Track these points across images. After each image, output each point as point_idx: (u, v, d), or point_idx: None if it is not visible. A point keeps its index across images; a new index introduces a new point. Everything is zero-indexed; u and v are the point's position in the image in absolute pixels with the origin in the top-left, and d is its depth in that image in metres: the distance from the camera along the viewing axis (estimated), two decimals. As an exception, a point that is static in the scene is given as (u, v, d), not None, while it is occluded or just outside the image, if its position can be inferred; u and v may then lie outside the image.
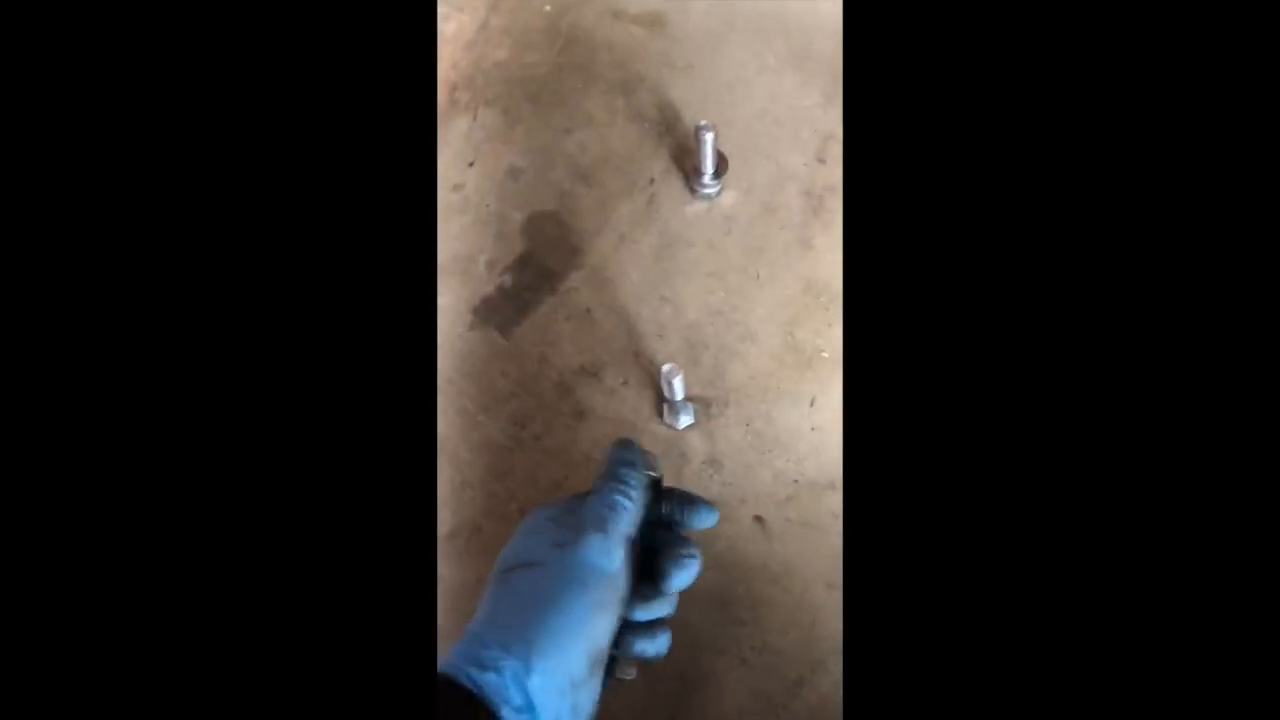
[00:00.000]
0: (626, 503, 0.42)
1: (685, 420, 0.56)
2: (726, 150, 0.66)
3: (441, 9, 0.74)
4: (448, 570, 0.55)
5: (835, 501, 0.54)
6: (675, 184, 0.65)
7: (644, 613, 0.42)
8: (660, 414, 0.57)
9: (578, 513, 0.42)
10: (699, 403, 0.58)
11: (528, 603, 0.38)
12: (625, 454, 0.44)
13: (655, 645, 0.43)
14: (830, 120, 0.67)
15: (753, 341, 0.59)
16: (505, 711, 0.35)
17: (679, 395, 0.51)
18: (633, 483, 0.43)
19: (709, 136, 0.58)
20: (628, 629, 0.42)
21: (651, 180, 0.66)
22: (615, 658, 0.42)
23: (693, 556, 0.43)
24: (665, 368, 0.48)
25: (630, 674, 0.44)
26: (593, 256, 0.63)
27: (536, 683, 0.36)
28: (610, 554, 0.40)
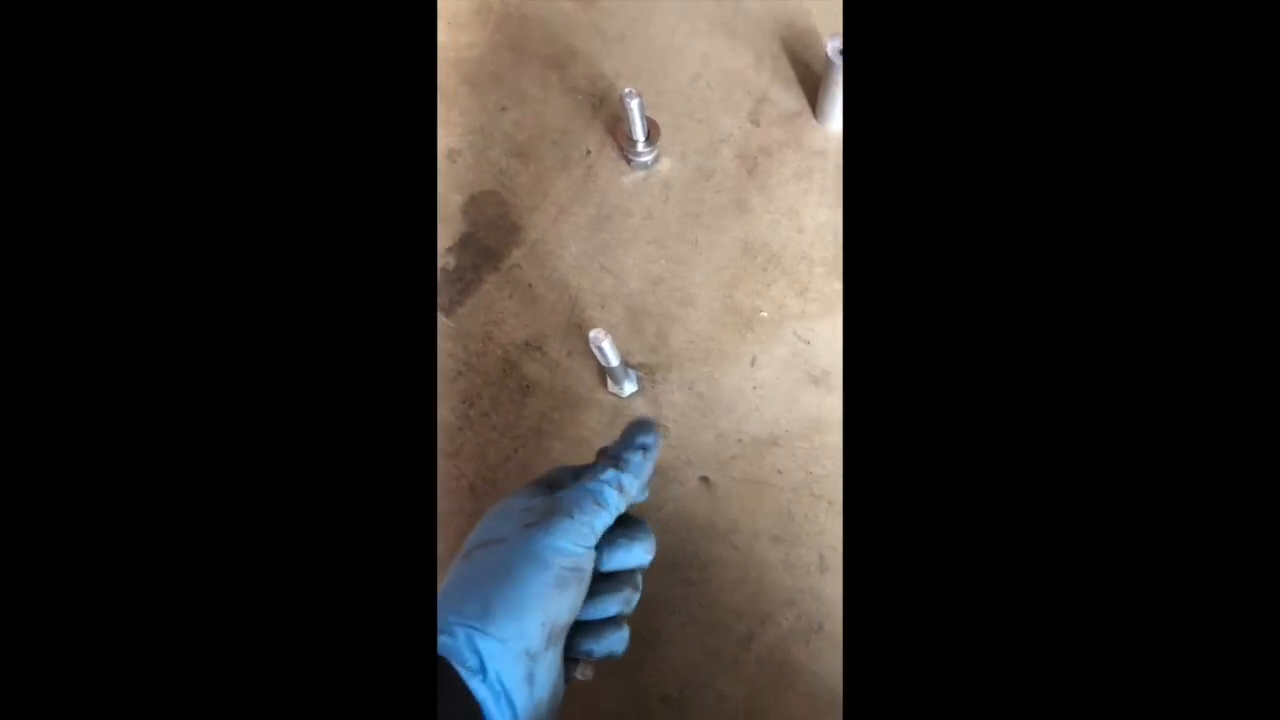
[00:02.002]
0: (612, 496, 0.41)
1: (630, 388, 0.57)
2: (662, 117, 0.66)
3: None
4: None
5: (776, 457, 0.55)
6: (611, 155, 0.65)
7: (595, 610, 0.42)
8: (605, 384, 0.58)
9: (556, 496, 0.41)
10: (643, 369, 0.58)
11: (486, 574, 0.39)
12: (642, 437, 0.44)
13: (604, 644, 0.42)
14: (762, 81, 0.67)
15: (693, 306, 0.60)
16: (462, 672, 0.36)
17: (613, 361, 0.51)
18: (631, 473, 0.42)
19: (635, 103, 0.59)
20: (577, 629, 0.42)
21: (588, 152, 0.66)
22: (571, 659, 0.42)
23: (637, 540, 0.43)
24: (592, 334, 0.48)
25: (587, 675, 0.42)
26: (533, 232, 0.63)
27: (490, 647, 0.36)
28: (576, 538, 0.40)
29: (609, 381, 0.57)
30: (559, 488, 0.43)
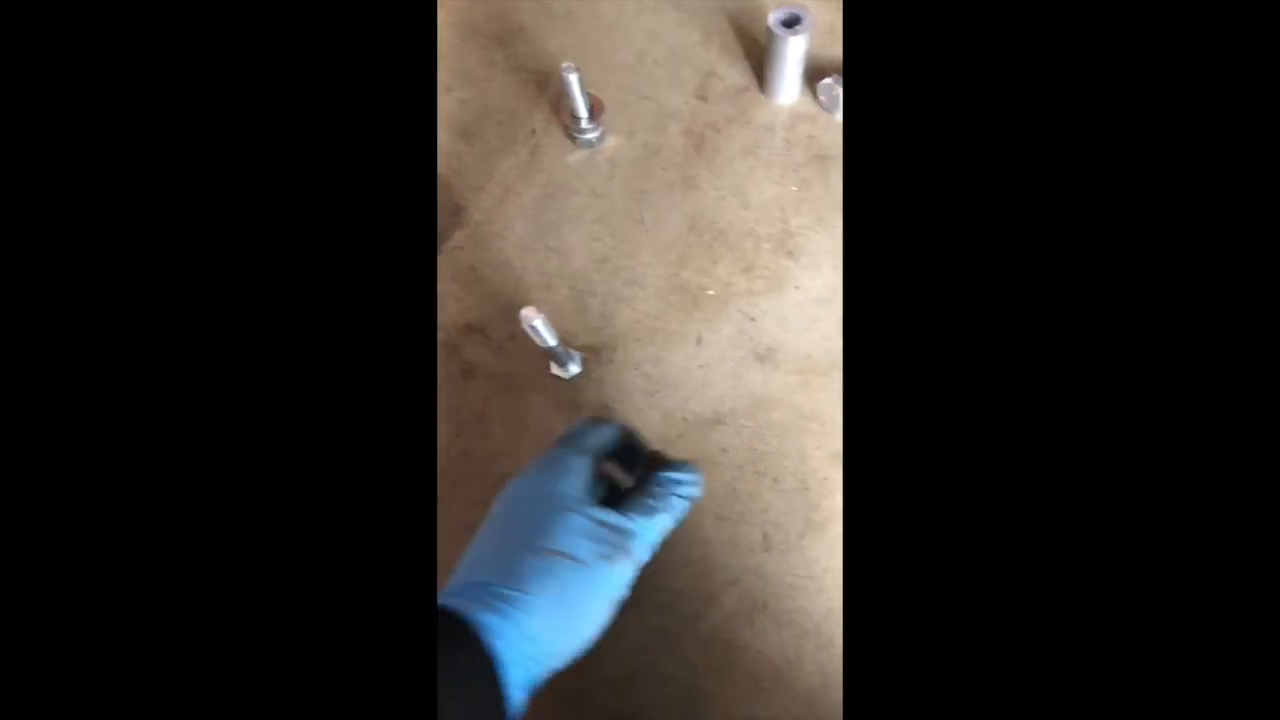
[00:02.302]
0: (661, 535, 0.43)
1: (574, 369, 0.56)
2: (609, 94, 0.65)
3: None
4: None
5: (721, 435, 0.54)
6: (557, 133, 0.64)
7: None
8: (549, 366, 0.57)
9: (624, 529, 0.41)
10: (588, 350, 0.57)
11: (568, 604, 0.38)
12: (682, 478, 0.45)
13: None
14: (709, 57, 0.66)
15: (639, 285, 0.59)
16: (499, 647, 0.36)
17: (550, 341, 0.50)
18: (672, 513, 0.43)
19: (574, 78, 0.57)
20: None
21: (533, 131, 0.65)
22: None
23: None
24: (523, 313, 0.47)
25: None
26: (476, 213, 0.62)
27: (530, 673, 0.37)
28: (638, 569, 0.41)
29: (552, 364, 0.56)
30: (605, 469, 0.45)
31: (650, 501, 0.43)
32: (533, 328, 0.48)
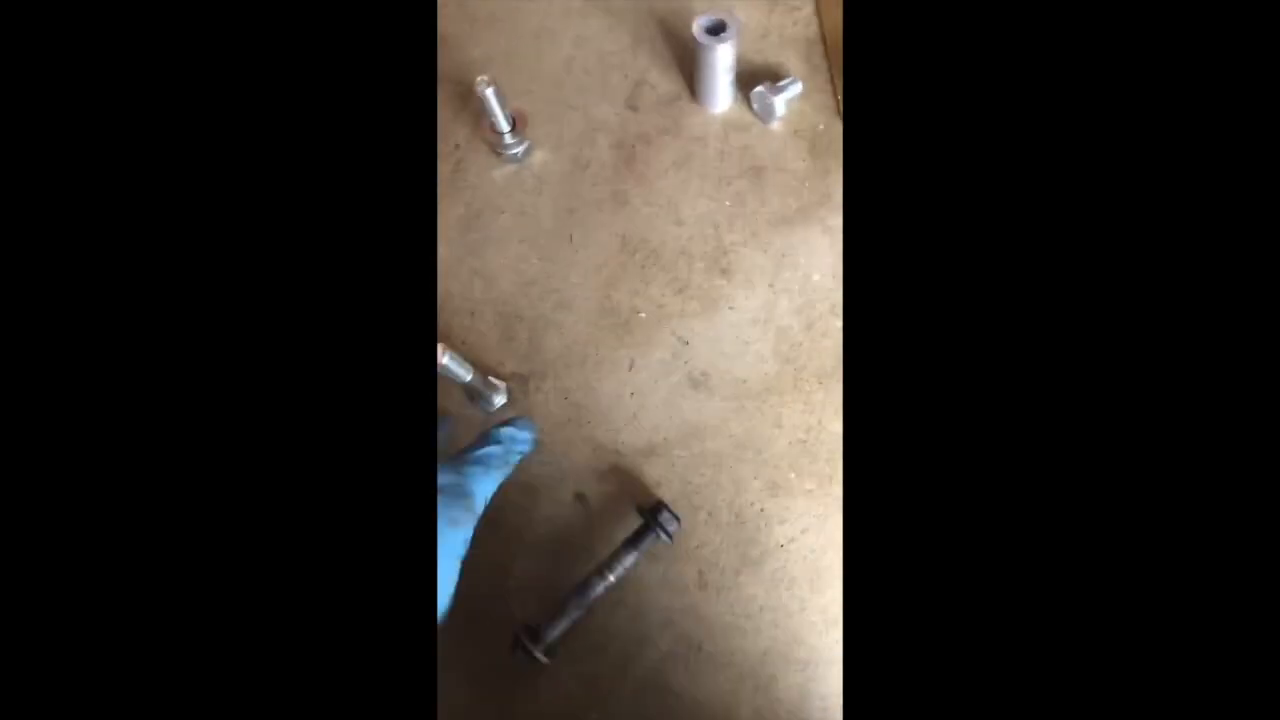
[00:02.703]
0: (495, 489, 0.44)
1: (498, 400, 0.53)
2: (535, 105, 0.62)
3: None
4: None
5: (655, 468, 0.52)
6: (481, 148, 0.61)
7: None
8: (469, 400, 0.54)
9: (466, 490, 0.42)
10: (515, 379, 0.55)
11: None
12: (517, 435, 0.47)
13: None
14: (640, 64, 0.63)
15: (568, 309, 0.56)
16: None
17: (465, 377, 0.48)
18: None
19: (490, 92, 0.54)
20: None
21: (456, 146, 0.61)
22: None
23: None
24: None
25: None
26: (397, 236, 0.59)
27: None
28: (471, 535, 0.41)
29: (468, 399, 0.53)
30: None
31: (491, 456, 0.44)
32: (443, 366, 0.45)
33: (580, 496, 0.52)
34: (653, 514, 0.48)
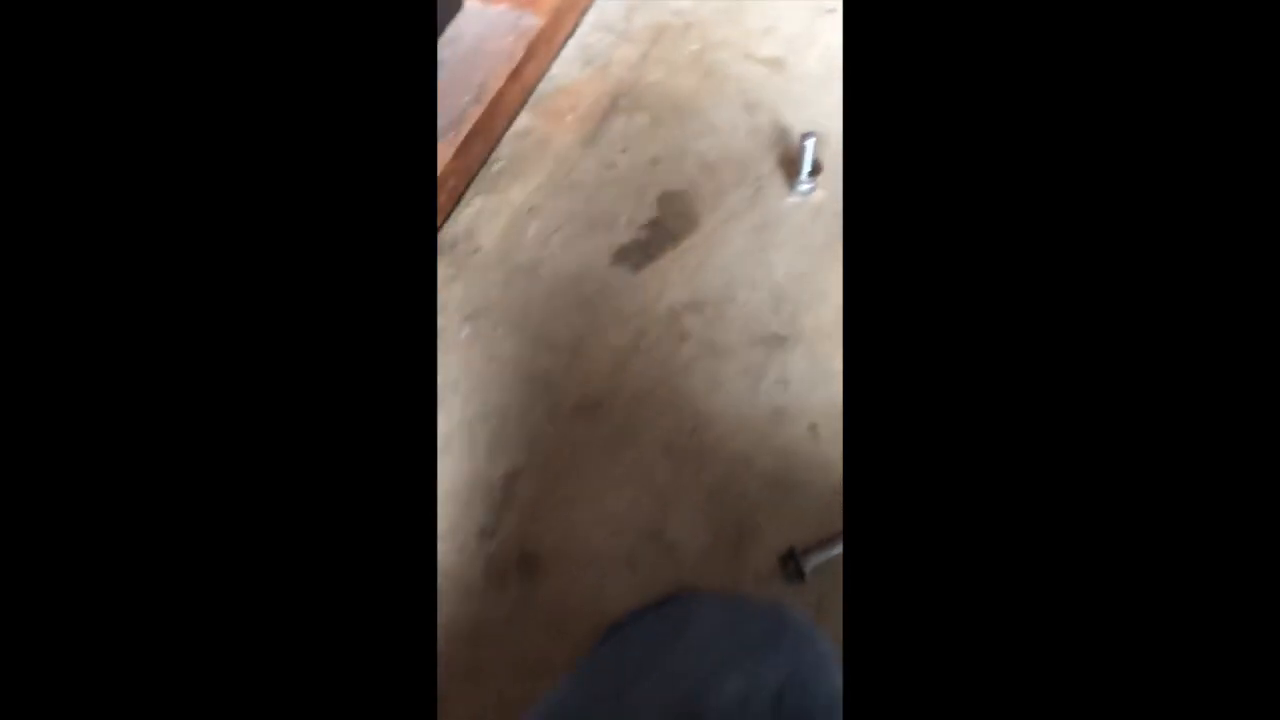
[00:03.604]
0: None
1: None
2: (826, 162, 0.84)
3: (611, 39, 0.96)
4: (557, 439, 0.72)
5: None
6: (778, 182, 0.84)
7: None
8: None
9: None
10: (774, 341, 0.75)
11: None
12: None
13: None
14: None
15: (824, 300, 0.76)
16: None
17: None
18: None
19: (810, 143, 0.77)
20: None
21: (759, 177, 0.84)
22: None
23: None
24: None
25: None
26: (706, 227, 0.82)
27: None
28: None
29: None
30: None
31: None
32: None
33: (813, 427, 0.70)
34: None
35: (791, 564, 0.63)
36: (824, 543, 0.63)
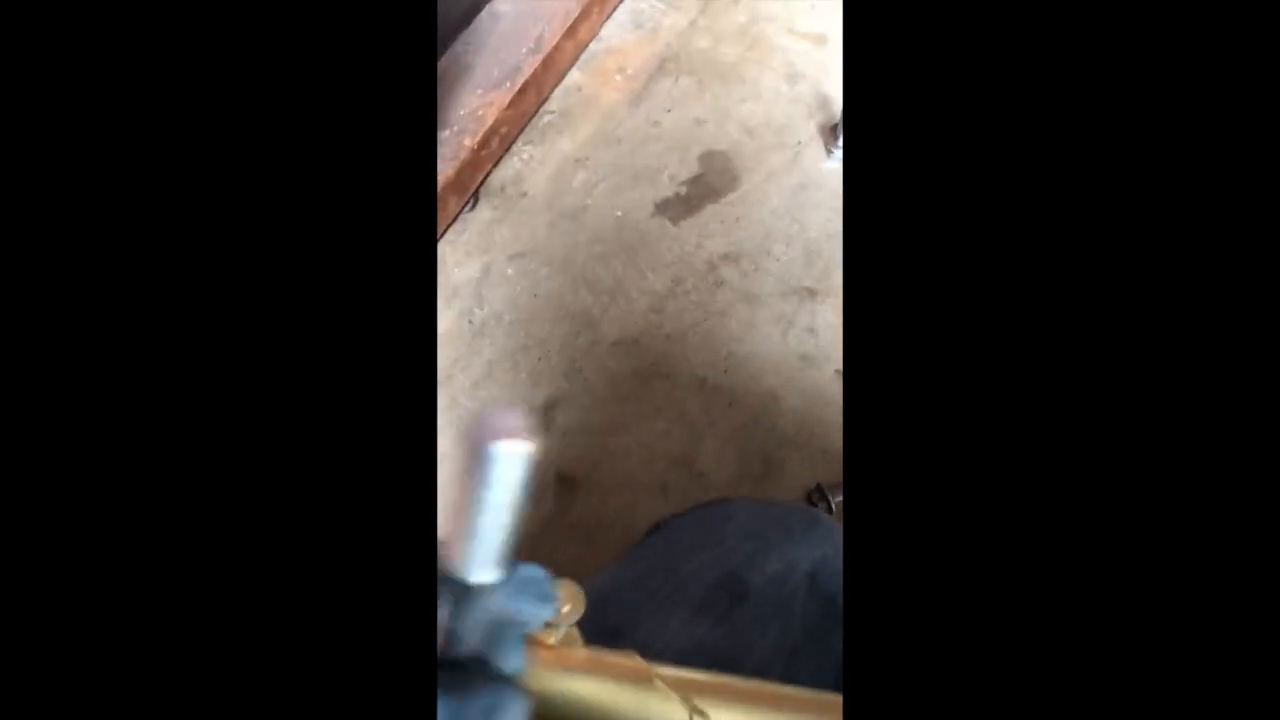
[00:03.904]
0: None
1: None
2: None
3: (661, 6, 1.00)
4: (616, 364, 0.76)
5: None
6: (816, 148, 0.87)
7: None
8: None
9: None
10: (805, 294, 0.78)
11: None
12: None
13: None
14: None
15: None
16: None
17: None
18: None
19: (851, 108, 0.81)
20: None
21: (799, 142, 0.88)
22: None
23: None
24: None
25: None
26: (746, 184, 0.85)
27: None
28: None
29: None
30: None
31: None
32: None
33: (839, 372, 0.74)
34: None
35: (819, 498, 0.67)
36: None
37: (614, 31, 0.98)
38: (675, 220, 0.84)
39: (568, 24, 0.91)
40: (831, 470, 0.69)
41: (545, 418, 0.73)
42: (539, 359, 0.77)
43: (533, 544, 0.67)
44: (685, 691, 0.32)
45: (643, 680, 0.32)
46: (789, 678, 0.35)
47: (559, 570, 0.65)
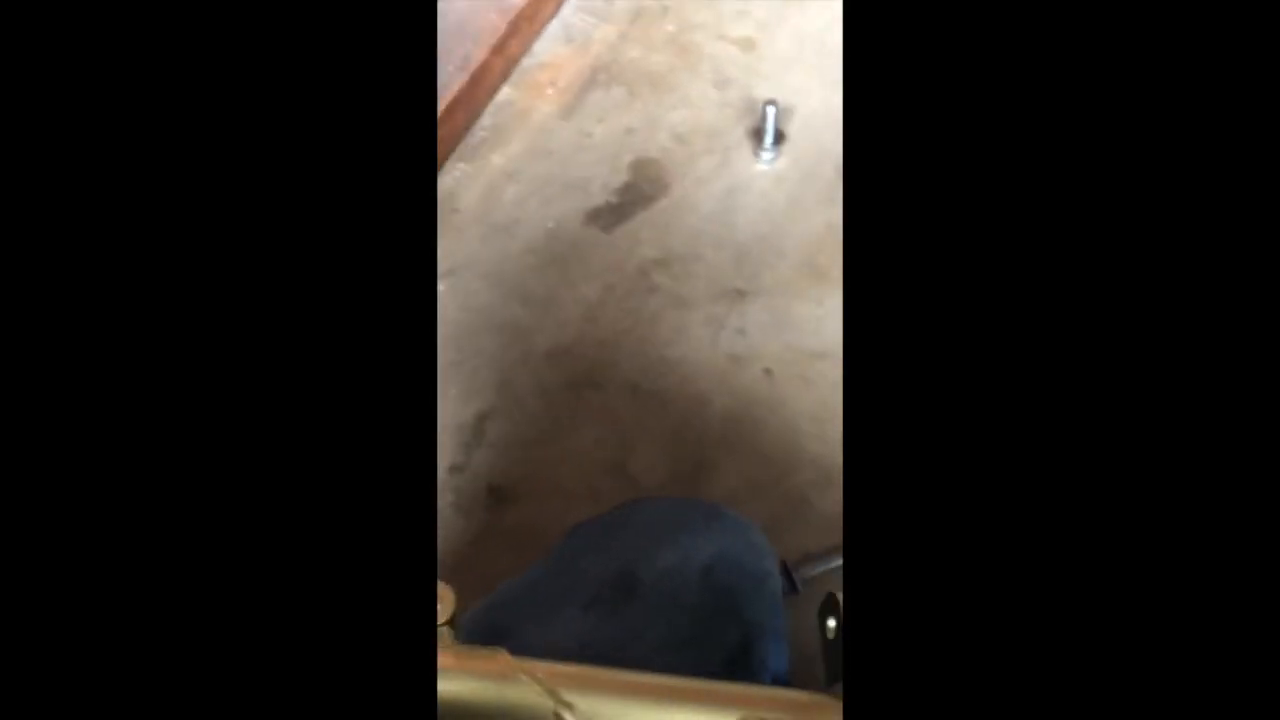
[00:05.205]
0: None
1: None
2: (790, 134, 0.89)
3: (592, 20, 1.01)
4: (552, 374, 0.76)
5: (824, 365, 0.74)
6: (745, 151, 0.88)
7: None
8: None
9: None
10: (735, 295, 0.79)
11: None
12: None
13: None
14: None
15: (782, 258, 0.81)
16: None
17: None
18: None
19: (772, 110, 0.82)
20: None
21: (727, 147, 0.89)
22: None
23: None
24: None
25: None
26: (677, 190, 0.86)
27: None
28: None
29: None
30: None
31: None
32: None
33: (768, 371, 0.74)
34: None
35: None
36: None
37: (546, 46, 0.99)
38: (607, 229, 0.84)
39: (495, 40, 0.92)
40: (762, 467, 0.70)
41: (476, 432, 0.74)
42: (470, 372, 0.77)
43: (465, 555, 0.67)
44: (553, 685, 0.33)
45: (507, 676, 0.33)
46: (672, 668, 0.36)
47: (491, 585, 0.66)
